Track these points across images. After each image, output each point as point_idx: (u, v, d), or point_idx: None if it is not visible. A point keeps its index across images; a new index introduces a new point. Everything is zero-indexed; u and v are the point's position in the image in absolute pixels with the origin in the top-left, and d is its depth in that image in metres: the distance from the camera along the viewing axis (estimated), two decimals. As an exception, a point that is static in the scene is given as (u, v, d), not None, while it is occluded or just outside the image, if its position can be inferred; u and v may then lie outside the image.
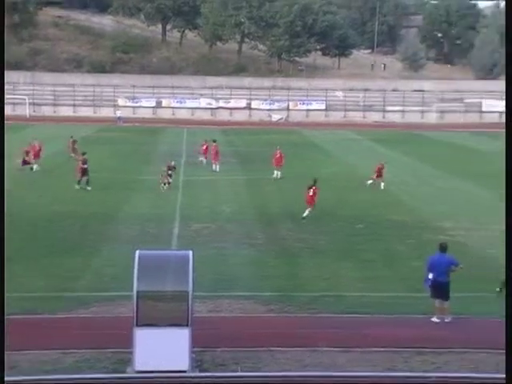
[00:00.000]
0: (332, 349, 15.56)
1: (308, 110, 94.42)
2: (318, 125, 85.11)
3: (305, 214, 29.48)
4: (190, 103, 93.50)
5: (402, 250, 25.23)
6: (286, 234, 27.50)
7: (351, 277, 21.63)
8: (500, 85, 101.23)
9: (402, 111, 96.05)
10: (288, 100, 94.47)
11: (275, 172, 41.67)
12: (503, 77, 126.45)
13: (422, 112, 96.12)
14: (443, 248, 17.82)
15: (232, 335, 16.37)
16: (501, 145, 79.51)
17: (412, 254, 24.50)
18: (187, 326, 14.04)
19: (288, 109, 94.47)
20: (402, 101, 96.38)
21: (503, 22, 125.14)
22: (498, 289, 19.61)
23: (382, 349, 15.55)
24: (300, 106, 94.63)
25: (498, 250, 25.02)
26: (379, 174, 38.94)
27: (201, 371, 14.19)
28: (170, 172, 37.34)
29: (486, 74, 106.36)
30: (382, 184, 38.44)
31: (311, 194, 29.80)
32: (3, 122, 20.28)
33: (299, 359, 15.01)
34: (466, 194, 37.70)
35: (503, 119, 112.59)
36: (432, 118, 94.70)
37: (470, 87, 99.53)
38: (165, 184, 36.62)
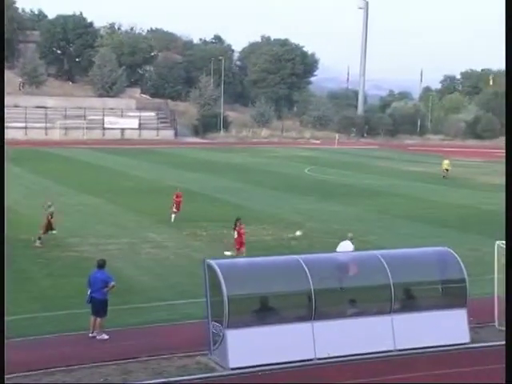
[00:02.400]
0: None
1: None
2: None
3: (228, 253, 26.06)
4: None
5: (33, 269, 24.84)
6: None
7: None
8: (119, 102, 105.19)
9: (25, 128, 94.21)
10: None
11: None
12: (122, 94, 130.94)
13: (46, 128, 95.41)
14: (100, 265, 18.18)
15: None
16: (122, 160, 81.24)
17: (41, 272, 24.31)
18: None
19: None
20: (24, 117, 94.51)
21: (120, 42, 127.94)
22: None
23: (11, 375, 15.11)
24: None
25: (123, 262, 26.03)
26: (178, 205, 34.35)
27: None
28: None
29: (107, 91, 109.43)
30: (174, 216, 34.00)
31: (237, 235, 25.72)
32: (3, 124, 18.57)
33: None
34: (92, 209, 38.38)
35: (125, 135, 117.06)
36: (56, 134, 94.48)
37: (92, 104, 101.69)
38: None
